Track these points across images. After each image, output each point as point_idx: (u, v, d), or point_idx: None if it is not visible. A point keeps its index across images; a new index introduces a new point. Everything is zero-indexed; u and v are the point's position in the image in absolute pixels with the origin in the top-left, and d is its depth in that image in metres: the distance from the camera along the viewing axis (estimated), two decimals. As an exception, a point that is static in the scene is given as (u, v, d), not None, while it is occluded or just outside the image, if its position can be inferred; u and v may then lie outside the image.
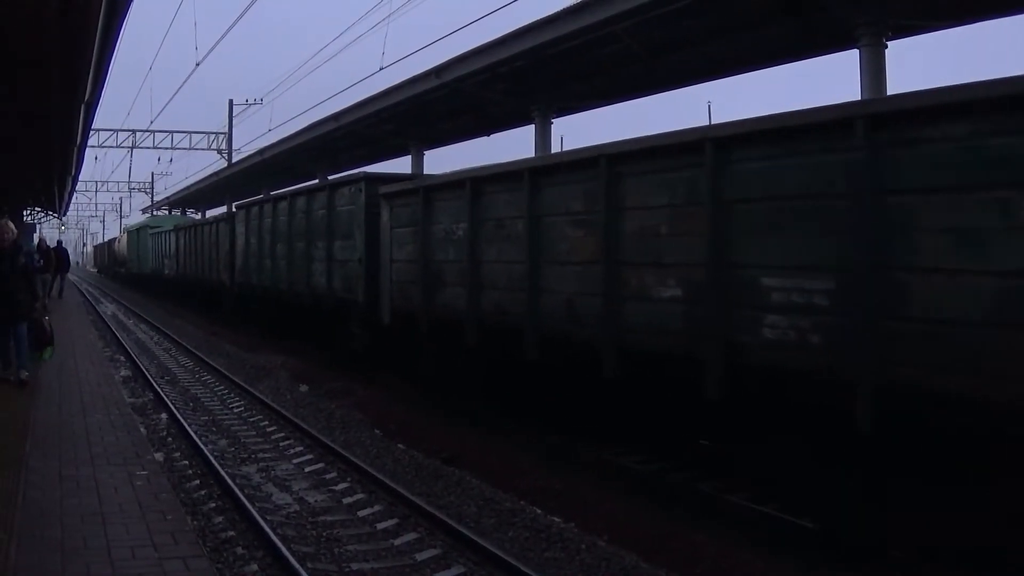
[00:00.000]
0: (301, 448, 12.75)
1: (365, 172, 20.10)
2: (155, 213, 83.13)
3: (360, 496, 10.34)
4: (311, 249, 20.81)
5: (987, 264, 6.49)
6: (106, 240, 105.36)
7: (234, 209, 30.44)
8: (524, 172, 11.89)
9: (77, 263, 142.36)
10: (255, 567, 7.93)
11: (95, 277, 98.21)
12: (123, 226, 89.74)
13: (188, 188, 73.51)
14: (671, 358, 9.44)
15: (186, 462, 11.79)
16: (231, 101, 56.88)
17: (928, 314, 6.87)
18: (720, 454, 10.32)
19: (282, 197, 23.83)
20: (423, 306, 14.65)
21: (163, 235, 47.79)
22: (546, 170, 11.80)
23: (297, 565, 7.71)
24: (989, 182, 6.49)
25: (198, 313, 36.18)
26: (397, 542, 8.81)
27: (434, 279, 14.38)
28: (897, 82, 22.02)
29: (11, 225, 14.62)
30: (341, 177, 21.52)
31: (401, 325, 15.92)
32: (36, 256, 30.87)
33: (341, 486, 10.80)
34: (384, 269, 16.33)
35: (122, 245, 69.70)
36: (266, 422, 14.62)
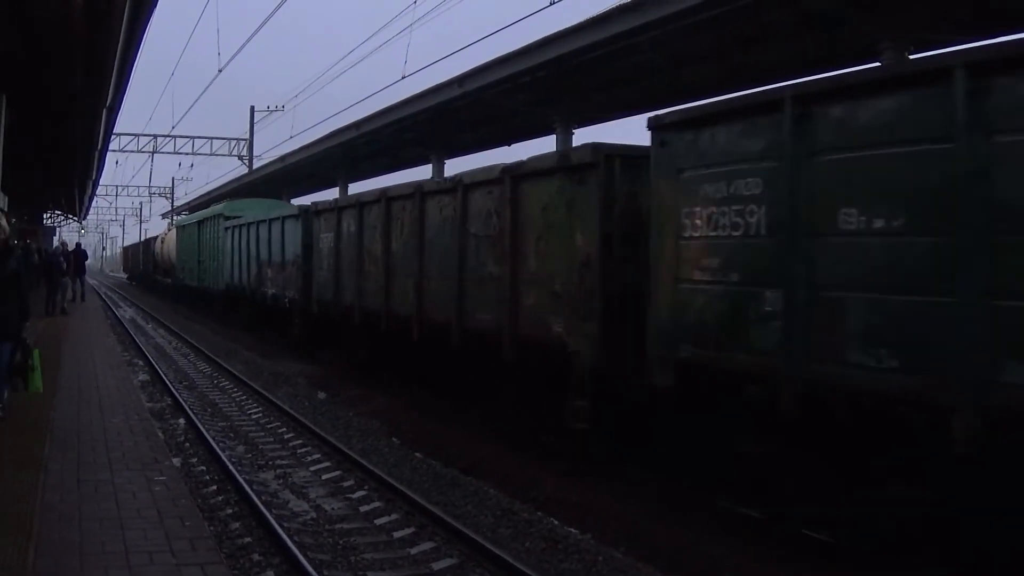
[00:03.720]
0: (319, 455, 12.73)
1: None
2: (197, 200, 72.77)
3: (377, 504, 10.31)
4: None
5: None
6: (143, 239, 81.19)
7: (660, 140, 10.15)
8: None
9: (99, 268, 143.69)
10: (272, 574, 7.92)
11: (122, 285, 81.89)
12: (171, 221, 75.77)
13: (209, 193, 73.79)
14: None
15: (203, 468, 11.79)
16: (253, 108, 57.18)
17: None
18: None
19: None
20: None
21: (264, 228, 26.92)
22: None
23: (314, 572, 7.69)
24: None
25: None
26: (414, 551, 8.78)
27: None
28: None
29: (3, 222, 12.02)
30: None
31: None
32: (61, 259, 31.08)
33: (358, 494, 10.77)
34: None
35: (167, 246, 50.07)
36: (284, 429, 14.61)
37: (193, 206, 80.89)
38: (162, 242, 53.67)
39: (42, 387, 12.20)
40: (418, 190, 15.89)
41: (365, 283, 18.21)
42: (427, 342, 15.50)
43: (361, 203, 18.69)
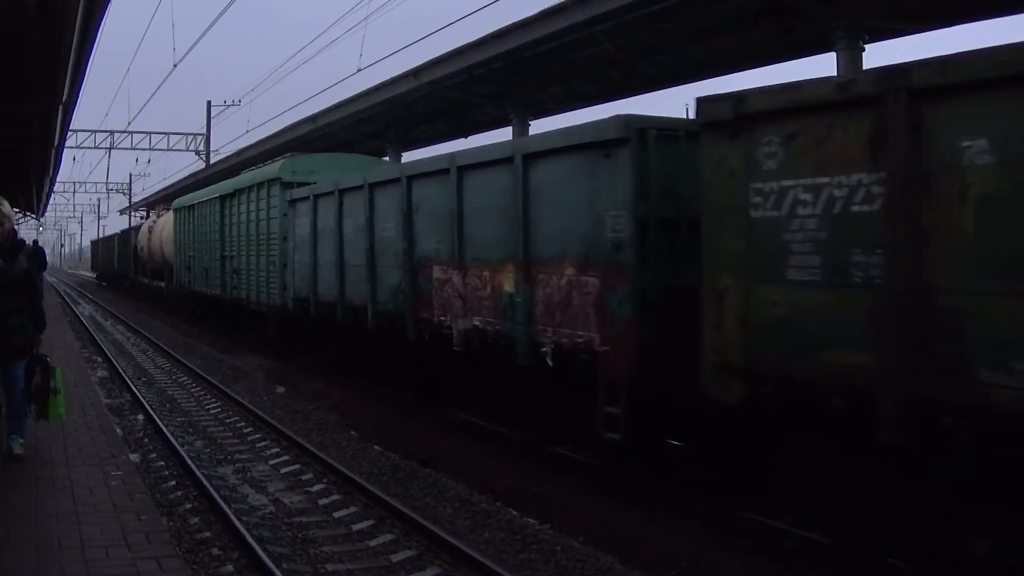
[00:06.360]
0: (277, 449, 12.73)
1: None
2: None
3: (336, 497, 10.34)
4: None
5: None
6: (119, 231, 63.87)
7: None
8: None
9: (58, 265, 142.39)
10: (231, 568, 7.93)
11: (86, 284, 76.57)
12: (131, 215, 68.24)
13: (166, 189, 73.17)
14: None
15: (162, 463, 11.77)
16: (209, 102, 56.64)
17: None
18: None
19: None
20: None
21: (427, 192, 13.43)
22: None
23: (272, 566, 7.71)
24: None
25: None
26: (373, 543, 8.81)
27: None
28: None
29: (6, 208, 9.45)
30: None
31: None
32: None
33: (317, 487, 10.79)
34: None
35: (159, 236, 38.65)
36: (243, 423, 14.58)
37: (151, 201, 79.95)
38: (149, 231, 41.39)
39: (64, 414, 10.19)
40: None
41: None
42: None
43: None
